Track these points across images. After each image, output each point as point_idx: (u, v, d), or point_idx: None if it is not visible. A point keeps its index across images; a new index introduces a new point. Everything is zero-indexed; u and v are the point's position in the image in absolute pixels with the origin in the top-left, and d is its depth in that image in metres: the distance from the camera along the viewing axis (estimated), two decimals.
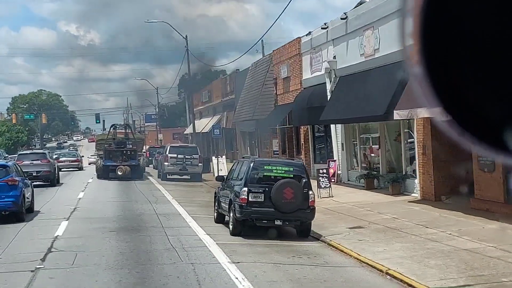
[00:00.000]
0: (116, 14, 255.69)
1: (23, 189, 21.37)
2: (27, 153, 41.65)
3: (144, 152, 52.70)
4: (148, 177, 44.00)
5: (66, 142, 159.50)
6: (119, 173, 39.57)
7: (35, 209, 23.28)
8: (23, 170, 24.67)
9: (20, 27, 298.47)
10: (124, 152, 41.21)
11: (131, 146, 42.28)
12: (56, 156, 54.82)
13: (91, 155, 74.49)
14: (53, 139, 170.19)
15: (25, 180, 22.59)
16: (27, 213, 21.68)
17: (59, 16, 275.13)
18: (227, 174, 21.81)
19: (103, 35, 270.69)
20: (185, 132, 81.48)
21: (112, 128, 46.01)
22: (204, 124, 65.12)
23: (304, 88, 35.36)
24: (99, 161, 43.99)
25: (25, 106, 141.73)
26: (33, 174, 31.80)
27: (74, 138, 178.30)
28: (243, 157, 21.35)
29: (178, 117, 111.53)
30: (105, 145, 43.03)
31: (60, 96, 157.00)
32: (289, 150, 39.26)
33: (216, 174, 34.62)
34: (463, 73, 1.13)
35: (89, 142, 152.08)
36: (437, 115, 1.16)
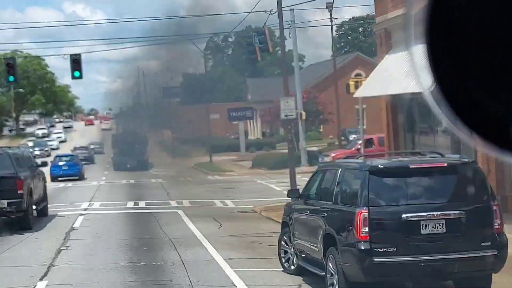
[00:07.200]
0: None
1: (81, 166, 45.99)
2: (78, 147, 67.25)
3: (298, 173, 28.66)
4: None
5: (53, 125, 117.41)
6: (129, 165, 55.33)
7: (85, 176, 47.14)
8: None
9: (25, 7, 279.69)
10: (133, 149, 57.82)
11: (137, 145, 59.04)
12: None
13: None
14: (39, 121, 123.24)
15: (82, 162, 47.21)
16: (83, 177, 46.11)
17: None
18: None
19: (109, 15, 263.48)
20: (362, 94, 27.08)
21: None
22: None
23: None
24: (114, 156, 59.49)
25: None
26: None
27: (67, 121, 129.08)
28: None
29: (205, 91, 75.70)
30: (119, 144, 60.85)
31: (44, 59, 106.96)
32: None
33: None
34: (470, 72, 1.12)
35: (86, 125, 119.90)
36: (445, 116, 1.16)
